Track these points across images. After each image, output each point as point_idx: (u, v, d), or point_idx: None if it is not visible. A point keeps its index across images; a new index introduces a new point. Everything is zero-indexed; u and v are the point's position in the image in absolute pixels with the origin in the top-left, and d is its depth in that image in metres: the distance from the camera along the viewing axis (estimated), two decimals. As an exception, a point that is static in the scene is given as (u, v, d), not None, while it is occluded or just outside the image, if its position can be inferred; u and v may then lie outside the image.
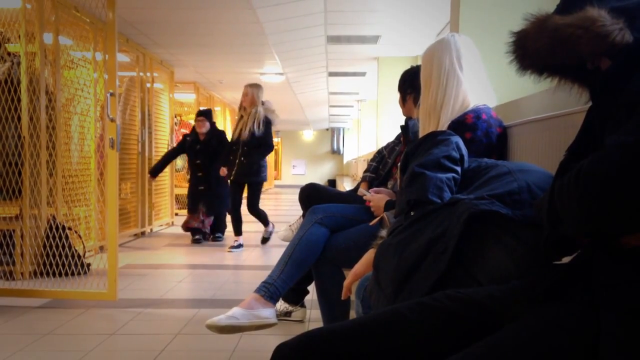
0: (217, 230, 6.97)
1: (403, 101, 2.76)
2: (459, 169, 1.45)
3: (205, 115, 6.89)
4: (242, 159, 5.89)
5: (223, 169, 6.10)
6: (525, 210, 1.24)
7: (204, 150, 6.74)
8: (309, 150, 25.68)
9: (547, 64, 1.04)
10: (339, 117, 19.52)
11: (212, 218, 6.86)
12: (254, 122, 5.85)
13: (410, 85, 2.64)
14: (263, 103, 6.01)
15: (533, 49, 1.01)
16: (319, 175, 24.27)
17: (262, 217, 6.18)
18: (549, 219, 0.95)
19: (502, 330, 0.91)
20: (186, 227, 6.79)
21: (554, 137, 1.62)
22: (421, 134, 1.89)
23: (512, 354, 0.86)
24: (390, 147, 2.99)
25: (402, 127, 2.73)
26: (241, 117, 6.01)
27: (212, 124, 6.94)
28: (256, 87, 6.02)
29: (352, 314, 2.45)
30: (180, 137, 10.90)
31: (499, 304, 0.99)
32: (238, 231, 6.15)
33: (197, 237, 6.75)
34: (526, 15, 1.03)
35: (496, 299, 1.00)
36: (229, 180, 6.10)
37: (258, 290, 2.44)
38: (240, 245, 6.15)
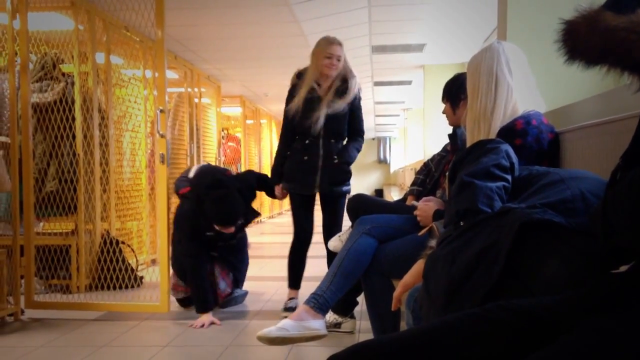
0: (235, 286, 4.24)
1: (454, 108, 2.72)
2: (509, 177, 1.42)
3: (228, 221, 3.77)
4: (335, 158, 3.78)
5: (279, 188, 3.89)
6: (580, 218, 1.20)
7: (228, 246, 4.11)
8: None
9: (597, 61, 1.01)
10: (385, 126, 19.48)
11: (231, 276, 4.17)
12: (355, 101, 3.82)
13: (464, 91, 2.62)
14: None
15: (583, 47, 0.99)
16: (365, 185, 24.22)
17: None
18: (604, 229, 0.92)
19: (557, 341, 0.88)
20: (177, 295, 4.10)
21: (609, 142, 1.58)
22: (469, 142, 1.87)
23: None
24: (436, 160, 2.97)
25: (450, 135, 2.70)
26: (312, 90, 3.75)
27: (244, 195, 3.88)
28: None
29: (403, 325, 2.42)
30: (227, 151, 10.34)
31: (553, 314, 0.96)
32: (298, 283, 3.87)
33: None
34: (577, 6, 1.00)
35: (551, 309, 0.97)
36: (291, 196, 3.87)
37: (307, 302, 2.44)
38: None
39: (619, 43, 0.93)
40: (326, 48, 3.74)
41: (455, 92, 2.70)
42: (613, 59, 0.95)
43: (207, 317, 3.65)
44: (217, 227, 3.76)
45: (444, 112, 2.80)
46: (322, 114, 3.69)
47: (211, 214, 3.71)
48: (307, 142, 3.76)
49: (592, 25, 0.97)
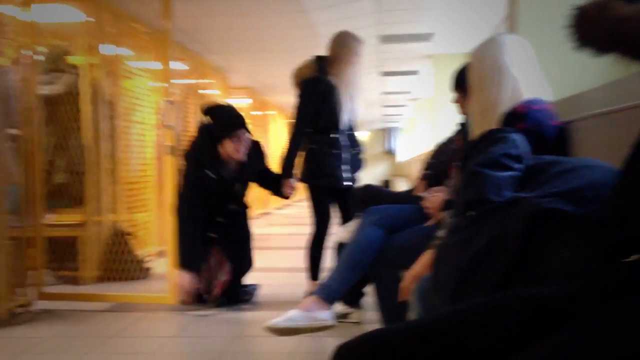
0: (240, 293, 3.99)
1: (466, 97, 2.68)
2: (519, 166, 1.41)
3: (242, 123, 3.82)
4: (353, 148, 3.78)
5: (289, 184, 3.81)
6: (590, 207, 1.19)
7: (243, 184, 3.97)
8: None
9: (607, 49, 1.01)
10: (392, 117, 19.42)
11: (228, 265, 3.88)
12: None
13: None
14: None
15: (592, 36, 0.98)
16: (372, 176, 24.14)
17: None
18: (615, 218, 0.91)
19: (566, 329, 0.88)
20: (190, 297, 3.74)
21: (620, 131, 1.56)
22: (475, 133, 1.85)
23: (577, 354, 0.83)
24: (446, 145, 2.94)
25: (462, 124, 2.68)
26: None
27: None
28: None
29: (411, 316, 2.42)
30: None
31: (563, 303, 0.96)
32: (317, 274, 3.73)
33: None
34: None
35: (561, 298, 0.97)
36: (316, 188, 3.72)
37: (316, 293, 2.44)
38: None
39: (625, 33, 0.93)
40: (360, 51, 3.78)
41: (464, 82, 2.67)
42: (622, 47, 0.95)
43: (186, 278, 3.45)
44: (228, 148, 3.72)
45: (456, 102, 2.76)
46: (348, 107, 3.69)
47: (221, 122, 3.75)
48: (332, 135, 3.66)
49: (602, 13, 0.97)
